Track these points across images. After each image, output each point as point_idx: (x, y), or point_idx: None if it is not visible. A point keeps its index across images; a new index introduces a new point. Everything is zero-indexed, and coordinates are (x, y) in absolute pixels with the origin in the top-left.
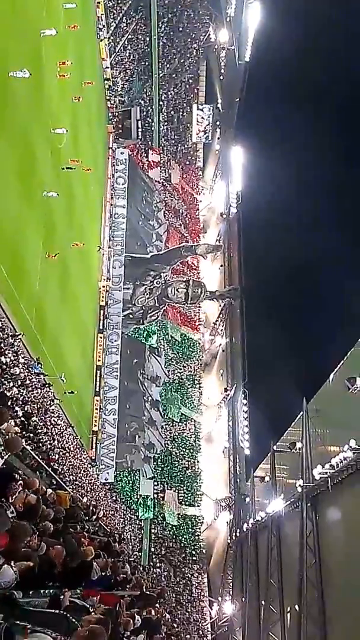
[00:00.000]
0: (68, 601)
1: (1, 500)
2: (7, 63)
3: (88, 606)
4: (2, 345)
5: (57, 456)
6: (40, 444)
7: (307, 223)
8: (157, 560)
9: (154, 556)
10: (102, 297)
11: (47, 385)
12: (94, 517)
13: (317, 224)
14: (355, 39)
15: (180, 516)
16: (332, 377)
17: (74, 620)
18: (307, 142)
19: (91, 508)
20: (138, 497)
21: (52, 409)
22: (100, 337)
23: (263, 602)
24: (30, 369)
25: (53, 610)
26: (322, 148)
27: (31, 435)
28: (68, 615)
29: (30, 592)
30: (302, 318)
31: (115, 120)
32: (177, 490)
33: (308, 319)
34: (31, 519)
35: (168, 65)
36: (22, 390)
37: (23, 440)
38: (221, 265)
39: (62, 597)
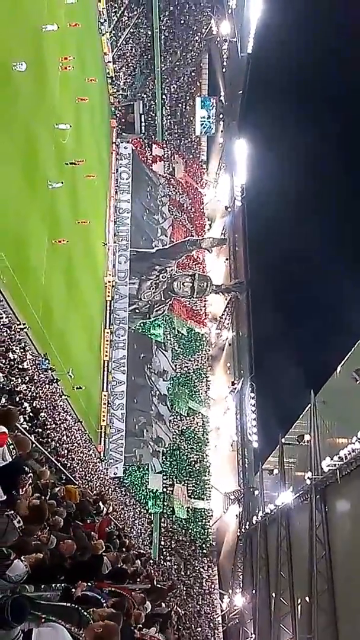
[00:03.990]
0: (80, 593)
1: (11, 494)
2: (8, 58)
3: (99, 598)
4: (10, 341)
5: (65, 451)
6: (49, 440)
7: (311, 214)
8: (167, 554)
9: (164, 550)
10: (108, 292)
11: (55, 381)
12: (104, 511)
13: (321, 215)
14: (357, 30)
15: (189, 510)
16: (339, 369)
17: (85, 613)
18: (310, 133)
19: (100, 502)
20: (147, 491)
21: (61, 405)
22: (107, 332)
23: (273, 594)
24: (38, 365)
25: (64, 603)
26: (325, 139)
27: (40, 430)
28: (79, 608)
29: (42, 586)
30: (308, 310)
31: (118, 114)
32: (186, 484)
33: (314, 311)
34: (40, 522)
35: (170, 59)
36: (30, 386)
37: (32, 435)
38: (226, 259)
39: (74, 589)
